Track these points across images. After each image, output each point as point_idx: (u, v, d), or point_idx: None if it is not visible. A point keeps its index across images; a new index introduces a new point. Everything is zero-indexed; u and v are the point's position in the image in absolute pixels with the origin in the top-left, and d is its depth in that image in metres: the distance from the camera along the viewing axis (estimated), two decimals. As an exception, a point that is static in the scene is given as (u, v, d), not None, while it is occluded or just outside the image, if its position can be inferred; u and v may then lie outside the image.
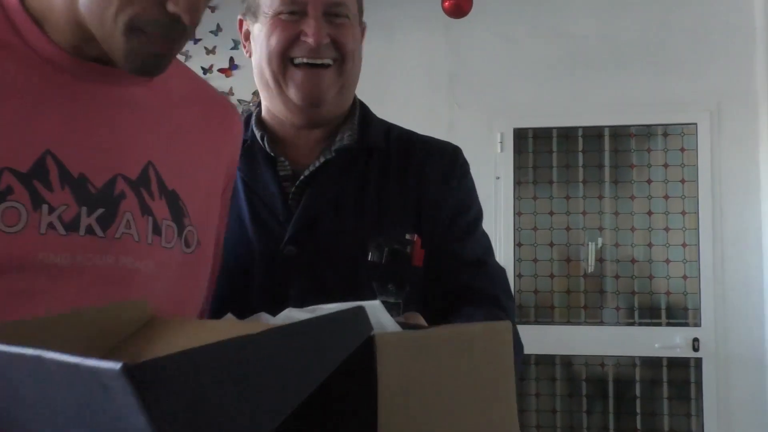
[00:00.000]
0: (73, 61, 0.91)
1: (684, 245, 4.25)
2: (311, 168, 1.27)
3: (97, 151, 0.91)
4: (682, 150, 4.30)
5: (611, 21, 4.35)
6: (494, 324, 0.70)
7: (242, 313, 1.11)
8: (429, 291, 1.23)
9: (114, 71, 0.93)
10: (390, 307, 1.04)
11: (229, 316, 0.79)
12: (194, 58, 4.76)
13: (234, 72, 4.71)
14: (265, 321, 0.75)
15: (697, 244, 4.20)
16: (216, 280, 1.14)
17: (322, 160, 1.27)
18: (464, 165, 1.35)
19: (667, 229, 4.28)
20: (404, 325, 0.71)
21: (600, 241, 4.36)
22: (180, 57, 4.51)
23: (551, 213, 4.41)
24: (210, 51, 4.75)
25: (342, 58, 1.25)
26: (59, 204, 0.86)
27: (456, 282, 1.24)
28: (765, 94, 4.08)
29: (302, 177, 1.27)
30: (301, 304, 1.13)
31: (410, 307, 1.13)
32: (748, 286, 4.10)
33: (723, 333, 4.13)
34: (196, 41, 4.74)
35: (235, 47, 4.70)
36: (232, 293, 1.18)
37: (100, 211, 0.89)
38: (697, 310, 4.20)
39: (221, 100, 1.14)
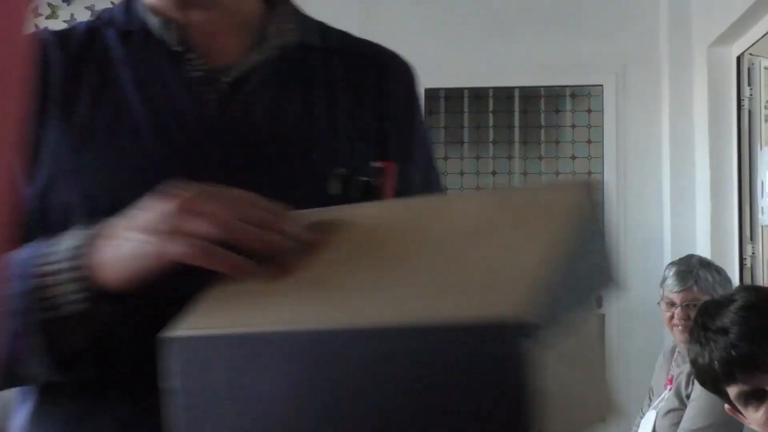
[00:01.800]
0: None
1: (589, 205, 4.36)
2: (240, 68, 0.91)
3: None
4: (589, 111, 4.39)
5: (522, -18, 4.38)
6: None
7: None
8: None
9: None
10: None
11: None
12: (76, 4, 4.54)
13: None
14: None
15: (602, 205, 4.32)
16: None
17: (256, 57, 0.92)
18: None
19: (573, 189, 4.38)
20: None
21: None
22: (72, 8, 4.10)
23: (462, 173, 4.45)
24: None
25: None
26: None
27: None
28: (667, 57, 4.19)
29: (227, 79, 0.91)
30: None
31: None
32: (649, 245, 4.25)
33: (624, 290, 4.27)
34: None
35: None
36: None
37: None
38: (601, 267, 4.32)
39: None
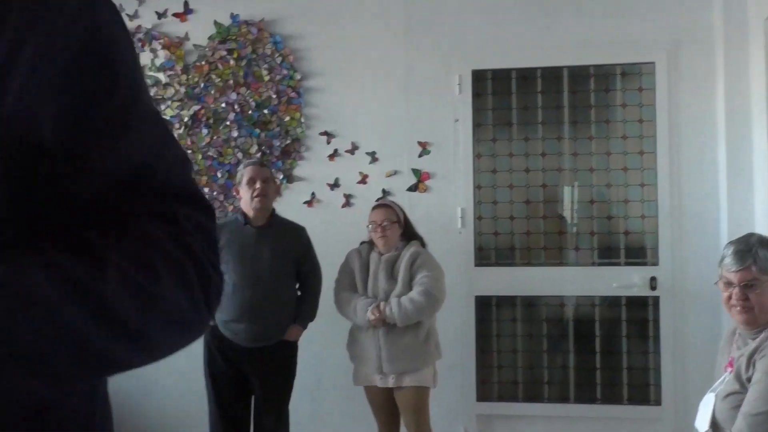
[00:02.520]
0: None
1: (642, 185, 4.28)
2: None
3: None
4: (640, 90, 4.29)
5: (569, -41, 4.29)
6: None
7: None
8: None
9: None
10: None
11: None
12: (147, 2, 4.60)
13: (189, 17, 4.57)
14: None
15: (655, 184, 4.23)
16: None
17: None
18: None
19: (625, 169, 4.30)
20: None
21: (576, 185, 4.37)
22: (133, 0, 4.31)
23: (510, 155, 4.40)
24: (162, -6, 4.59)
25: None
26: None
27: (107, 214, 0.80)
28: (721, 33, 4.08)
29: None
30: None
31: None
32: (704, 225, 4.15)
33: (679, 271, 4.19)
34: (148, -16, 4.58)
35: (185, -10, 4.54)
36: None
37: None
38: (655, 249, 4.24)
39: None
